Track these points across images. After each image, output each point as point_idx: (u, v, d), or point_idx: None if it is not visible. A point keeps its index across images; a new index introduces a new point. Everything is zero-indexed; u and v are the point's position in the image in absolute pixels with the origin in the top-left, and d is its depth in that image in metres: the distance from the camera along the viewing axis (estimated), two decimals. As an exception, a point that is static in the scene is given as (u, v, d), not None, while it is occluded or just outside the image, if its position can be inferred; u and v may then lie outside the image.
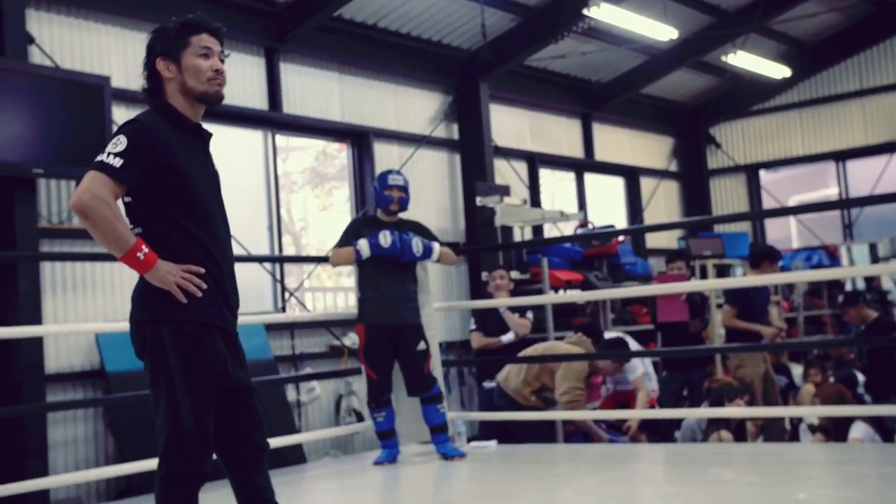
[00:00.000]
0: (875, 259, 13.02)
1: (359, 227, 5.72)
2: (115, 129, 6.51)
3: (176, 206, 3.03)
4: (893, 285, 13.09)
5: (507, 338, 7.54)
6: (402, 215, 5.80)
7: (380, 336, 5.60)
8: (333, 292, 9.63)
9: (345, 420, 8.50)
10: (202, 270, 3.05)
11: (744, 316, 7.86)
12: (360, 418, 8.50)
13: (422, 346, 5.67)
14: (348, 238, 5.65)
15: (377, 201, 5.74)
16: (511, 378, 7.04)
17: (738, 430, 6.98)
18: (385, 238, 5.50)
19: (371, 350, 5.63)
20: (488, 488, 5.03)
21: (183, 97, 3.12)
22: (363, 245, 5.52)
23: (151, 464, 5.05)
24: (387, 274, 5.62)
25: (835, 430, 6.41)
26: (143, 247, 2.95)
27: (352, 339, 8.77)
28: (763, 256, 7.64)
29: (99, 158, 2.95)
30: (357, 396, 8.65)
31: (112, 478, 6.57)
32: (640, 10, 9.81)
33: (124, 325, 6.60)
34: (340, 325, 8.74)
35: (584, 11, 9.16)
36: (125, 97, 7.28)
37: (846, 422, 6.30)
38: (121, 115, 7.17)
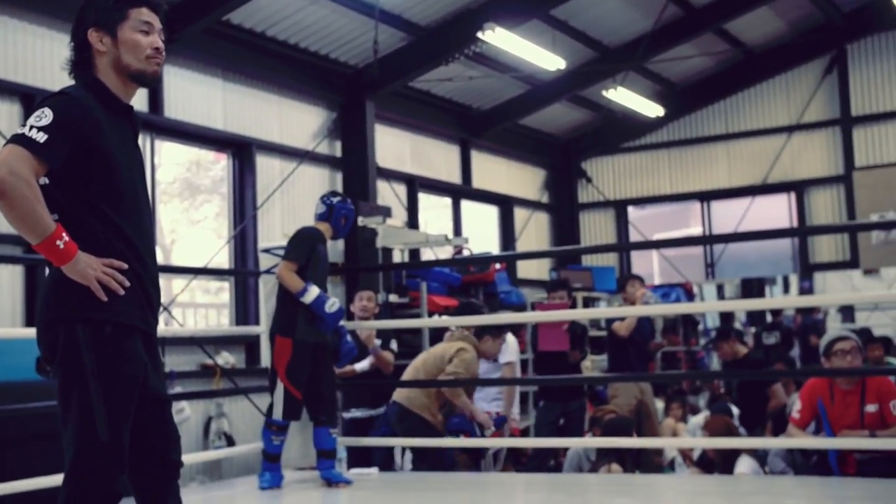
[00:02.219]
0: (722, 300, 13.48)
1: (314, 242, 5.50)
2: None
3: (101, 193, 2.69)
4: (739, 325, 13.54)
5: (361, 366, 7.00)
6: None
7: (307, 353, 5.39)
8: (205, 308, 9.17)
9: (214, 444, 8.05)
10: (125, 266, 2.71)
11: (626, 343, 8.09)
12: (230, 442, 8.07)
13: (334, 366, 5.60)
14: (302, 253, 5.42)
15: (341, 229, 5.64)
16: (415, 396, 6.62)
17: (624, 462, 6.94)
18: (332, 306, 5.36)
19: (297, 367, 5.35)
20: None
21: (116, 74, 2.80)
22: (311, 295, 5.31)
23: (6, 487, 4.62)
24: (324, 290, 5.50)
25: (721, 463, 6.45)
26: (64, 235, 2.60)
27: (224, 359, 8.34)
28: (626, 280, 8.30)
29: (20, 131, 2.58)
30: (227, 419, 8.22)
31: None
32: (530, 38, 9.84)
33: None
34: (213, 342, 8.31)
35: (479, 34, 9.10)
36: (-6, 86, 6.75)
37: (733, 455, 6.35)
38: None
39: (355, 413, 6.97)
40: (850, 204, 12.97)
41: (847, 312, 12.47)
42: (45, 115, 2.60)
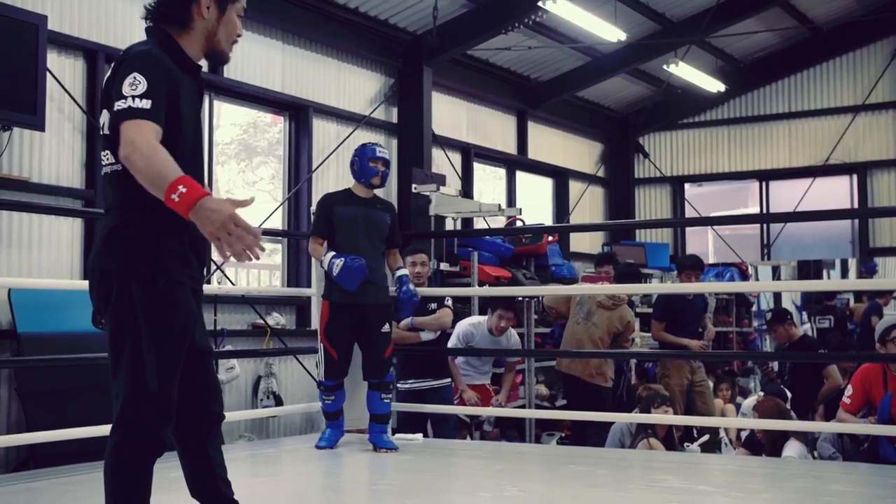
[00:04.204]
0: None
1: (331, 206, 5.52)
2: (46, 71, 6.04)
3: (173, 149, 2.72)
4: (794, 308, 13.34)
5: (427, 335, 6.70)
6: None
7: (345, 315, 5.43)
8: (258, 269, 9.26)
9: (262, 403, 8.16)
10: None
11: (671, 328, 7.96)
12: (278, 402, 8.18)
13: (386, 328, 5.51)
14: (320, 223, 5.53)
15: (359, 173, 5.57)
16: (599, 370, 7.51)
17: (666, 438, 6.93)
18: (336, 267, 5.31)
19: (333, 328, 5.45)
20: (425, 482, 4.80)
21: (202, 42, 2.89)
22: (325, 263, 5.40)
23: (60, 434, 4.73)
24: (359, 252, 5.41)
25: (769, 446, 6.38)
26: (180, 187, 2.54)
27: (275, 319, 8.43)
28: (684, 266, 8.12)
29: (122, 106, 2.63)
30: (276, 378, 8.32)
31: (12, 447, 6.13)
32: (592, 10, 9.72)
33: (41, 283, 6.23)
34: (264, 303, 8.40)
35: (540, 3, 9.00)
36: (59, 42, 6.82)
37: (782, 438, 6.28)
38: (53, 60, 6.70)
39: (413, 384, 6.73)
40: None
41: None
42: (139, 82, 2.65)
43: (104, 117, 2.78)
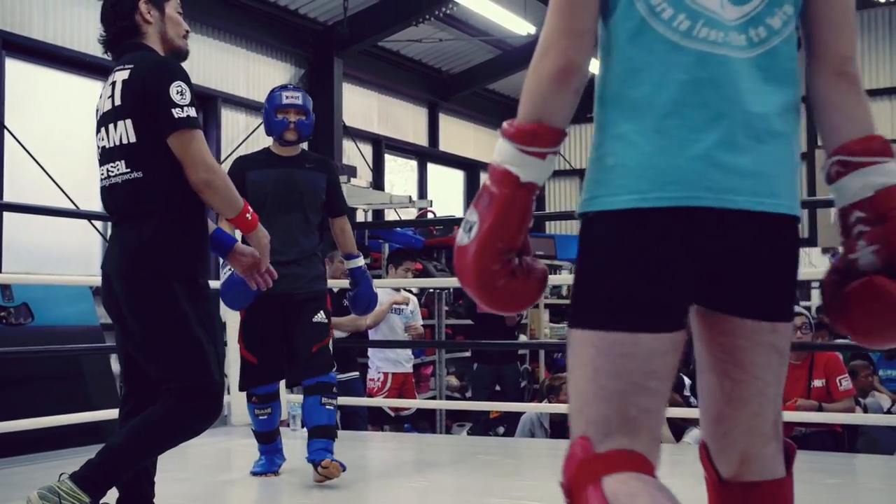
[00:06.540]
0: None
1: (242, 172, 4.19)
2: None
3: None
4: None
5: (340, 334, 6.30)
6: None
7: (265, 309, 4.07)
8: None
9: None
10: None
11: None
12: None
13: (319, 317, 4.18)
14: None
15: (268, 128, 4.27)
16: None
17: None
18: (227, 275, 3.78)
19: (252, 327, 4.19)
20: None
21: (160, 45, 2.96)
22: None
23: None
24: (278, 229, 3.80)
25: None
26: (249, 207, 2.95)
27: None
28: None
29: (184, 115, 2.73)
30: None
31: None
32: (501, 3, 9.81)
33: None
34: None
35: (450, -4, 9.07)
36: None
37: (683, 425, 6.44)
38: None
39: (348, 375, 6.48)
40: (811, 182, 13.07)
41: (804, 290, 12.65)
42: (184, 90, 2.76)
43: (119, 129, 2.79)
